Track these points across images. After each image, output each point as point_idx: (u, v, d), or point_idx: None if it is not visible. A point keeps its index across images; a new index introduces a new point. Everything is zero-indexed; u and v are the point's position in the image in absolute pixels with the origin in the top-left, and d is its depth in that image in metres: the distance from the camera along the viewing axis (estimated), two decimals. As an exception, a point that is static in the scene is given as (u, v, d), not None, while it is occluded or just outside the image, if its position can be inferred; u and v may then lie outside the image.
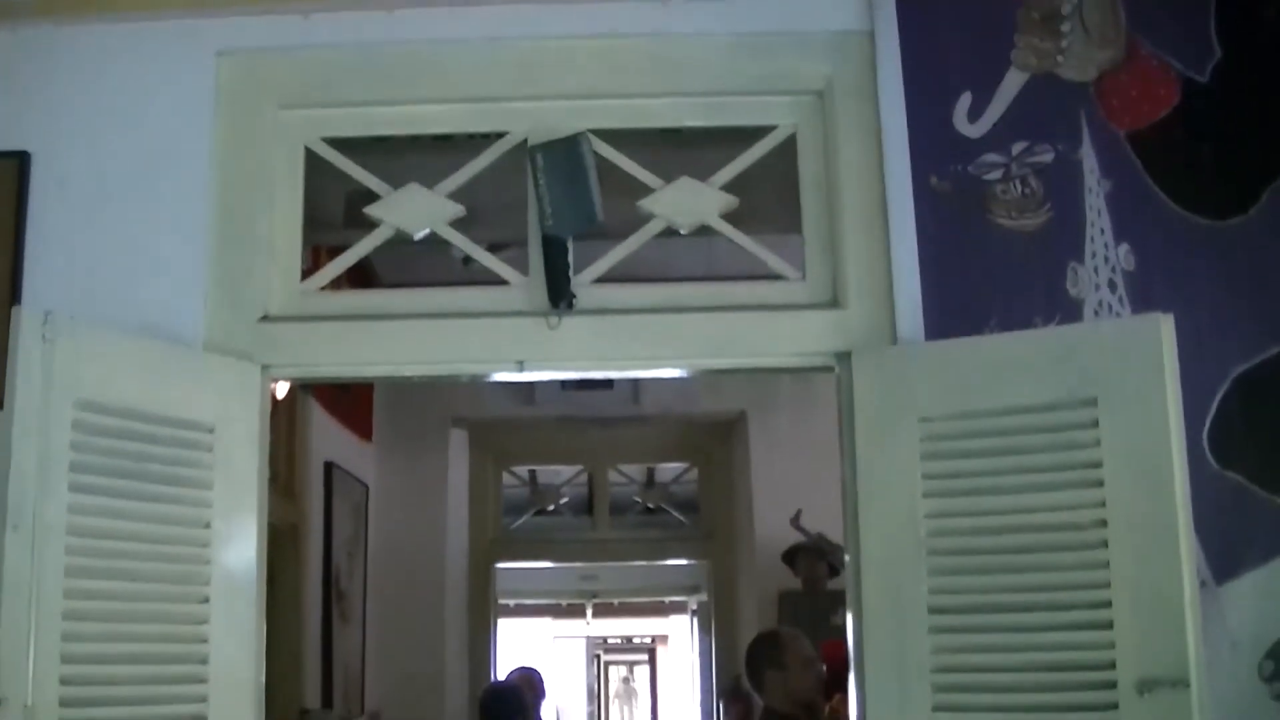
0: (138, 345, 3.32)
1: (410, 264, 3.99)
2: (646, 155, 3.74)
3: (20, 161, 3.63)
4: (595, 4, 3.74)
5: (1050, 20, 3.69)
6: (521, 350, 3.57)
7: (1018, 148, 3.63)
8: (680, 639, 17.58)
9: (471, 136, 3.84)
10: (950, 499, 3.20)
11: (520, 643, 17.28)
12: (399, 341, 3.62)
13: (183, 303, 3.57)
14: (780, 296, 3.65)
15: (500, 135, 3.76)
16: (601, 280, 3.66)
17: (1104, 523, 3.05)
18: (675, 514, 11.72)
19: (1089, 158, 3.62)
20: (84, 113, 3.69)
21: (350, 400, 9.02)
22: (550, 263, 3.57)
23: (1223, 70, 3.67)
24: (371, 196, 3.74)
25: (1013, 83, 3.66)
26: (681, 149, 3.87)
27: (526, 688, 6.65)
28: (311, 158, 3.78)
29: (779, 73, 3.72)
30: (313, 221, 3.83)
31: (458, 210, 3.70)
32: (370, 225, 3.74)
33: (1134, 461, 3.06)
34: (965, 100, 3.66)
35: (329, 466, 8.39)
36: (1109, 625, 3.01)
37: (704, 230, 3.71)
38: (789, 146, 3.73)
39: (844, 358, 3.48)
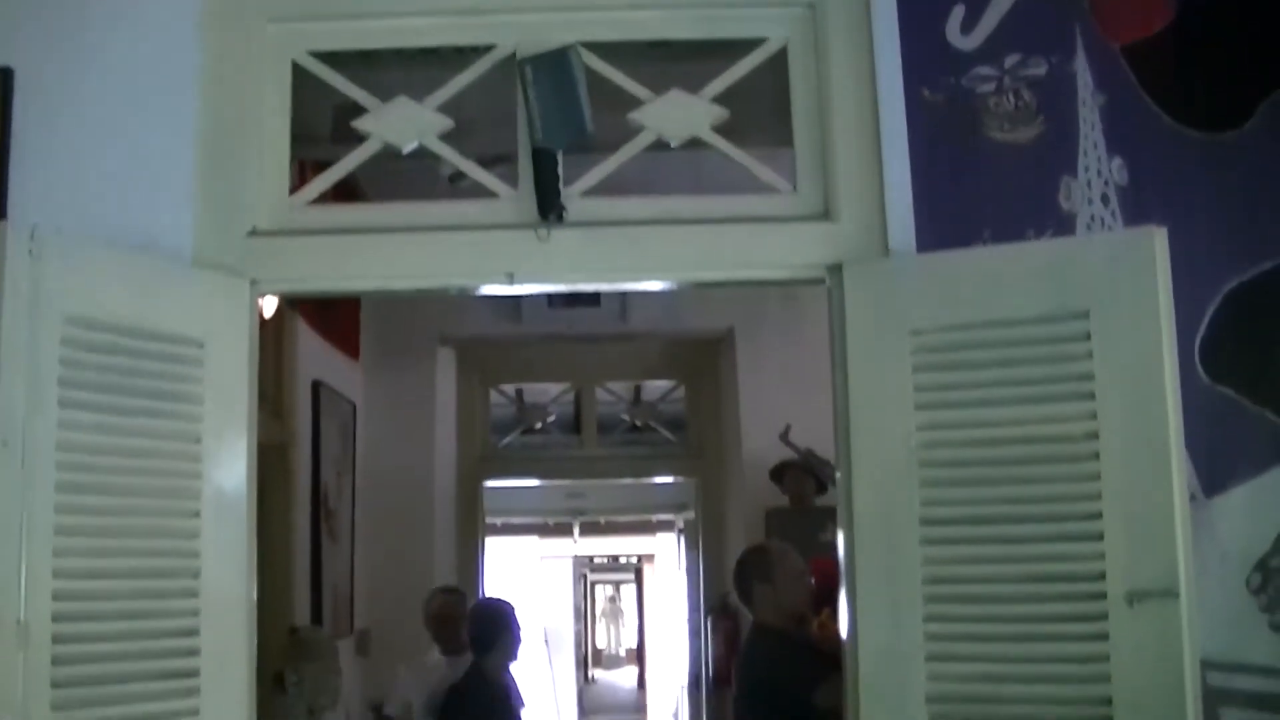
0: (125, 260, 3.29)
1: (397, 186, 3.95)
2: (637, 68, 3.71)
3: (4, 78, 3.58)
4: (584, -85, 3.70)
5: (1045, -70, 3.66)
6: (511, 263, 3.55)
7: (1011, 60, 3.60)
8: (667, 558, 17.68)
9: (459, 50, 3.80)
10: (942, 411, 3.20)
11: (507, 562, 17.38)
12: (388, 255, 3.59)
13: (171, 218, 3.53)
14: (771, 209, 3.63)
15: (488, 48, 3.72)
16: (591, 193, 3.64)
17: (1095, 435, 3.06)
18: (663, 431, 11.74)
19: (1083, 71, 3.60)
20: (68, 28, 3.63)
21: (337, 319, 8.99)
22: (540, 175, 3.55)
23: (1219, -17, 3.65)
24: (359, 111, 3.70)
25: (1006, -6, 3.64)
26: (672, 62, 3.83)
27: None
28: (298, 72, 3.73)
29: (770, -16, 3.69)
30: (300, 137, 3.79)
31: (446, 123, 3.67)
32: (358, 140, 3.71)
33: (1126, 374, 3.06)
34: (958, 12, 3.62)
35: (316, 385, 8.37)
36: (1099, 537, 3.03)
37: (694, 144, 3.68)
38: (780, 59, 3.70)
39: (835, 270, 3.46)
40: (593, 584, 35.39)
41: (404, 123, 3.67)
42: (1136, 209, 3.52)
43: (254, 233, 3.58)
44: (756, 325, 9.97)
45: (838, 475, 3.42)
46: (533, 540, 19.27)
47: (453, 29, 3.76)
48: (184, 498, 3.27)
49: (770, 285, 4.55)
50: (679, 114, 3.65)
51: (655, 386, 11.96)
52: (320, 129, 4.32)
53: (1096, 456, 3.06)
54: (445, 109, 3.69)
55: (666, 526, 16.52)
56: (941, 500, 3.17)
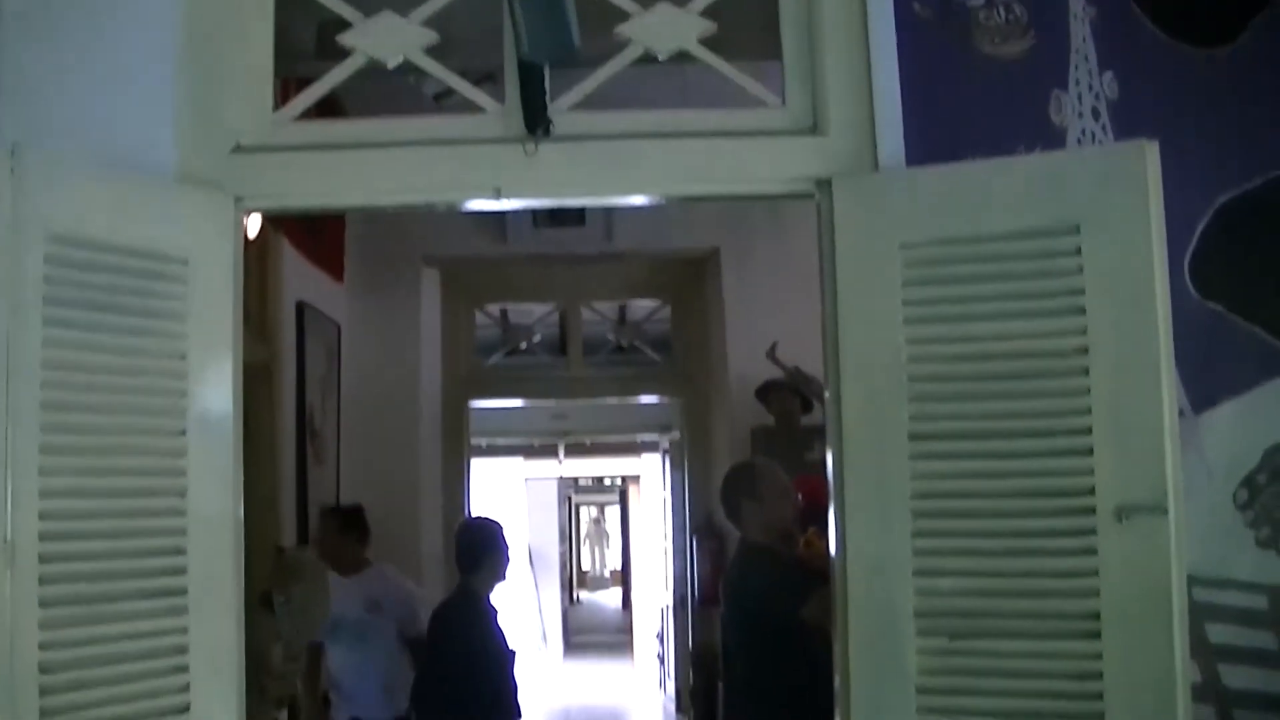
0: (108, 177, 3.26)
1: (382, 107, 3.90)
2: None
3: (-18, -1, 3.53)
4: None
5: None
6: (498, 177, 3.52)
7: (1001, -28, 3.57)
8: (652, 479, 17.67)
9: (445, -37, 3.74)
10: (931, 326, 3.19)
11: (493, 484, 17.40)
12: (374, 170, 3.56)
13: (154, 134, 3.49)
14: (760, 123, 3.59)
15: (474, -39, 3.67)
16: (578, 108, 3.60)
17: (1085, 350, 3.06)
18: (648, 352, 11.71)
19: (1074, -16, 3.56)
20: (45, -62, 3.58)
21: (322, 240, 8.93)
22: (526, 90, 3.51)
23: (1212, -106, 3.61)
24: (344, 26, 3.65)
25: (997, -96, 3.59)
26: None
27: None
28: (282, -15, 3.69)
29: (758, -107, 3.64)
30: (284, 54, 3.74)
31: (431, 38, 3.62)
32: (343, 56, 3.66)
33: (1116, 289, 3.06)
34: (949, -77, 3.58)
35: (301, 306, 8.33)
36: (1089, 452, 3.03)
37: (682, 58, 3.64)
38: (769, -29, 3.66)
39: (824, 185, 3.43)
40: (577, 506, 35.52)
41: (389, 37, 3.62)
42: (1127, 123, 3.50)
43: (238, 149, 3.55)
44: (742, 245, 9.94)
45: (826, 391, 3.42)
46: (518, 462, 19.26)
47: (437, -59, 3.70)
48: (170, 416, 3.26)
49: (759, 200, 4.52)
50: (666, 27, 3.61)
51: (641, 306, 11.92)
52: (304, 45, 4.27)
53: (1086, 371, 3.05)
54: (431, 24, 3.64)
55: (651, 447, 16.51)
56: (930, 415, 3.16)
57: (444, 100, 3.68)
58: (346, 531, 6.75)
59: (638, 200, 3.85)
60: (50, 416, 3.00)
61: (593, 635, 24.95)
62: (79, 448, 3.08)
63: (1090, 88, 3.52)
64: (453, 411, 10.92)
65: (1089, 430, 3.04)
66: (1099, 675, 2.99)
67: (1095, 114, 3.51)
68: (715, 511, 8.26)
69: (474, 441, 12.11)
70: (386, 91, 3.91)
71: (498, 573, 6.32)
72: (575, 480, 29.95)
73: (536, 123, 3.48)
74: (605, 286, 11.33)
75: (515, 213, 9.90)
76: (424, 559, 9.78)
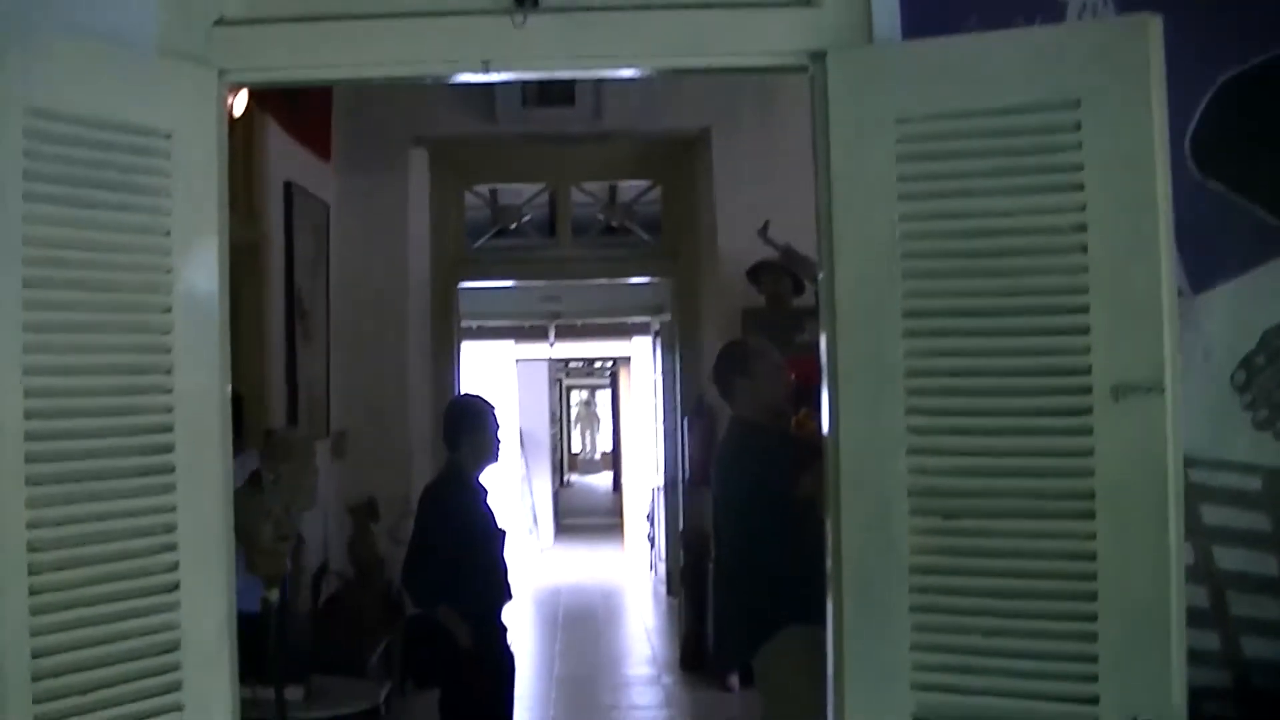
0: (89, 50, 3.17)
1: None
2: None
3: None
4: None
5: None
6: (487, 50, 3.45)
7: None
8: (643, 362, 17.68)
9: None
10: (927, 202, 3.14)
11: (484, 366, 17.40)
12: (361, 43, 3.48)
13: (135, 7, 3.39)
14: (753, -6, 3.51)
15: None
16: (569, -22, 3.52)
17: (1083, 227, 3.01)
18: (639, 232, 11.67)
19: None
20: None
21: (309, 120, 8.85)
22: (515, -40, 3.43)
23: None
24: (327, -108, 3.56)
25: None
26: None
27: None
28: None
29: None
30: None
31: (418, -94, 3.54)
32: (328, -78, 3.57)
33: (1116, 166, 3.01)
34: None
35: (288, 186, 8.27)
36: (1086, 330, 3.00)
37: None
38: None
39: (818, 58, 3.36)
40: (568, 389, 35.65)
41: (374, -94, 3.53)
42: (1129, -4, 3.43)
43: (221, 21, 3.47)
44: (732, 124, 9.89)
45: (818, 271, 3.37)
46: (509, 345, 19.24)
47: None
48: (155, 293, 3.21)
49: (751, 74, 4.42)
50: (656, -105, 3.52)
51: (630, 187, 11.85)
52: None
53: (1084, 249, 3.01)
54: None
55: (642, 330, 16.48)
56: (925, 292, 3.12)
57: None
58: None
59: (627, 73, 3.79)
60: (32, 293, 2.96)
61: (583, 518, 25.10)
62: (63, 325, 3.04)
63: (1091, -41, 3.44)
64: (442, 292, 10.90)
65: (1086, 309, 3.00)
66: (1092, 556, 2.99)
67: (1097, -14, 3.44)
68: (706, 393, 8.27)
69: (464, 324, 12.10)
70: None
71: (486, 450, 6.29)
72: (566, 363, 30.02)
73: (526, -7, 3.41)
74: (595, 166, 11.27)
75: (504, 91, 9.83)
76: (413, 440, 9.80)
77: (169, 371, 3.21)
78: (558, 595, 15.51)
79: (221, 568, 3.32)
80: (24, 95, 2.96)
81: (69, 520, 3.01)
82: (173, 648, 3.17)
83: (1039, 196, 3.06)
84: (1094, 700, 2.98)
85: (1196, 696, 3.09)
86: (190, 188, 3.29)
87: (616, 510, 21.97)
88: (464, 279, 11.18)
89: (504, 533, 6.41)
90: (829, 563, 3.30)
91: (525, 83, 9.72)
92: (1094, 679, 2.98)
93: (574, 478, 34.70)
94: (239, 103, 6.46)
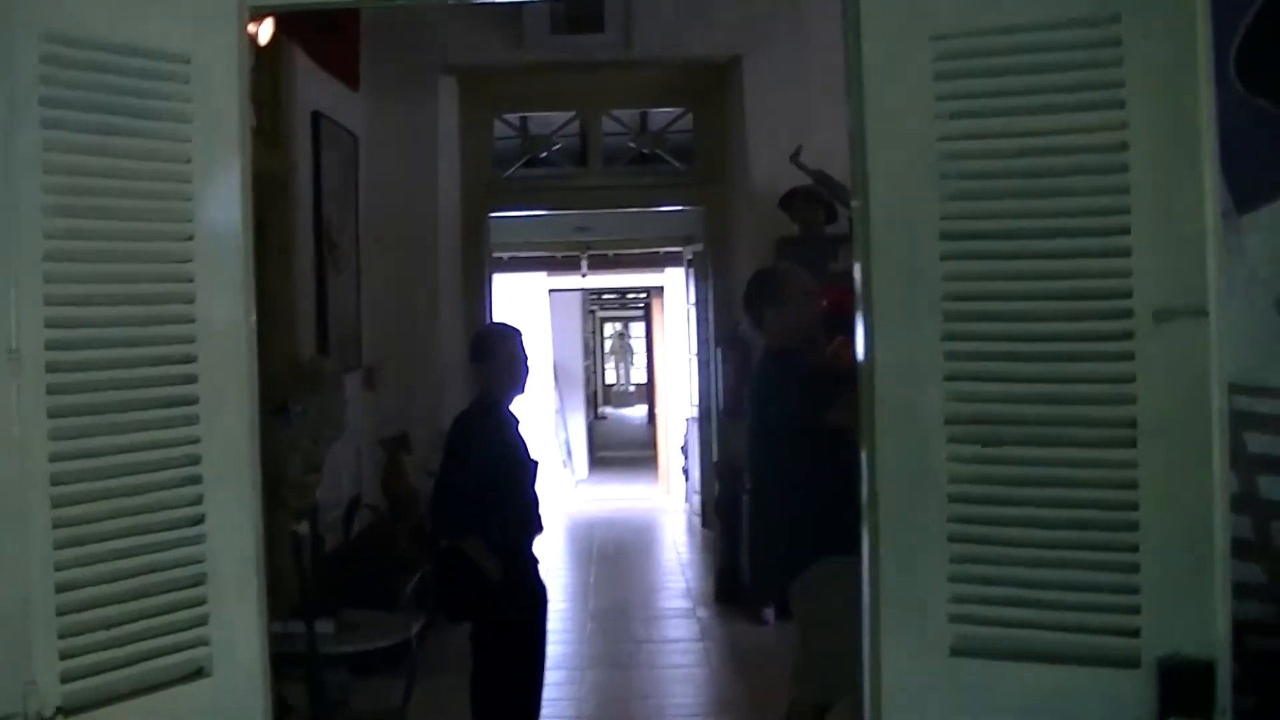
0: (104, -27, 3.10)
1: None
2: None
3: None
4: None
5: None
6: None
7: None
8: (676, 292, 17.61)
9: None
10: (964, 121, 3.03)
11: (516, 297, 17.39)
12: (381, -37, 3.41)
13: (152, -72, 3.33)
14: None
15: None
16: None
17: (1124, 146, 2.91)
18: (670, 160, 11.58)
19: None
20: None
21: (337, 48, 8.78)
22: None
23: None
24: None
25: None
26: None
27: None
28: None
29: None
30: None
31: None
32: None
33: (1158, 82, 2.90)
34: None
35: (316, 116, 8.22)
36: (1127, 252, 2.90)
37: None
38: None
39: (852, -28, 3.26)
40: (602, 320, 35.64)
41: None
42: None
43: (240, -59, 3.39)
44: (763, 49, 9.82)
45: (852, 197, 3.29)
46: (541, 276, 19.21)
47: None
48: (175, 221, 3.14)
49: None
50: None
51: (661, 115, 11.77)
52: None
53: (1125, 168, 2.91)
54: None
55: (675, 260, 16.44)
56: (962, 214, 3.02)
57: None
58: None
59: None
60: (52, 221, 2.90)
61: (618, 451, 25.15)
62: (83, 254, 2.98)
63: None
64: (472, 222, 10.86)
65: (1127, 230, 2.90)
66: (1135, 484, 2.90)
67: (1139, -104, 3.32)
68: (739, 323, 8.21)
69: (496, 255, 12.08)
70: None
71: (513, 377, 6.23)
72: (600, 295, 29.98)
73: (551, -90, 3.32)
74: (625, 94, 11.20)
75: (533, 18, 9.74)
76: (445, 372, 9.77)
77: (191, 300, 3.15)
78: (592, 528, 15.54)
79: (248, 500, 3.26)
80: (39, 20, 2.89)
81: (92, 453, 2.96)
82: (199, 581, 3.12)
83: (1079, 114, 2.95)
84: (1135, 633, 2.91)
85: (1240, 630, 3.02)
86: (211, 114, 3.21)
87: (651, 443, 21.98)
88: (494, 209, 11.13)
89: (535, 464, 6.36)
90: (864, 492, 3.22)
91: (554, 7, 9.63)
92: (1135, 611, 2.91)
93: (608, 410, 34.78)
94: (264, 31, 6.40)
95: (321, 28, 8.23)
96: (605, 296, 31.81)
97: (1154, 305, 2.88)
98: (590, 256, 17.66)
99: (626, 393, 37.81)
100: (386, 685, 6.44)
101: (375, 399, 9.50)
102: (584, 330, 25.52)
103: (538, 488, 6.33)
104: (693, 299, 13.55)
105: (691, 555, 13.46)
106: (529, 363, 6.27)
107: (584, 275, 18.70)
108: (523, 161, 11.68)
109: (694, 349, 13.35)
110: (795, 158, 8.82)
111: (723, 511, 10.65)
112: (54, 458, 2.88)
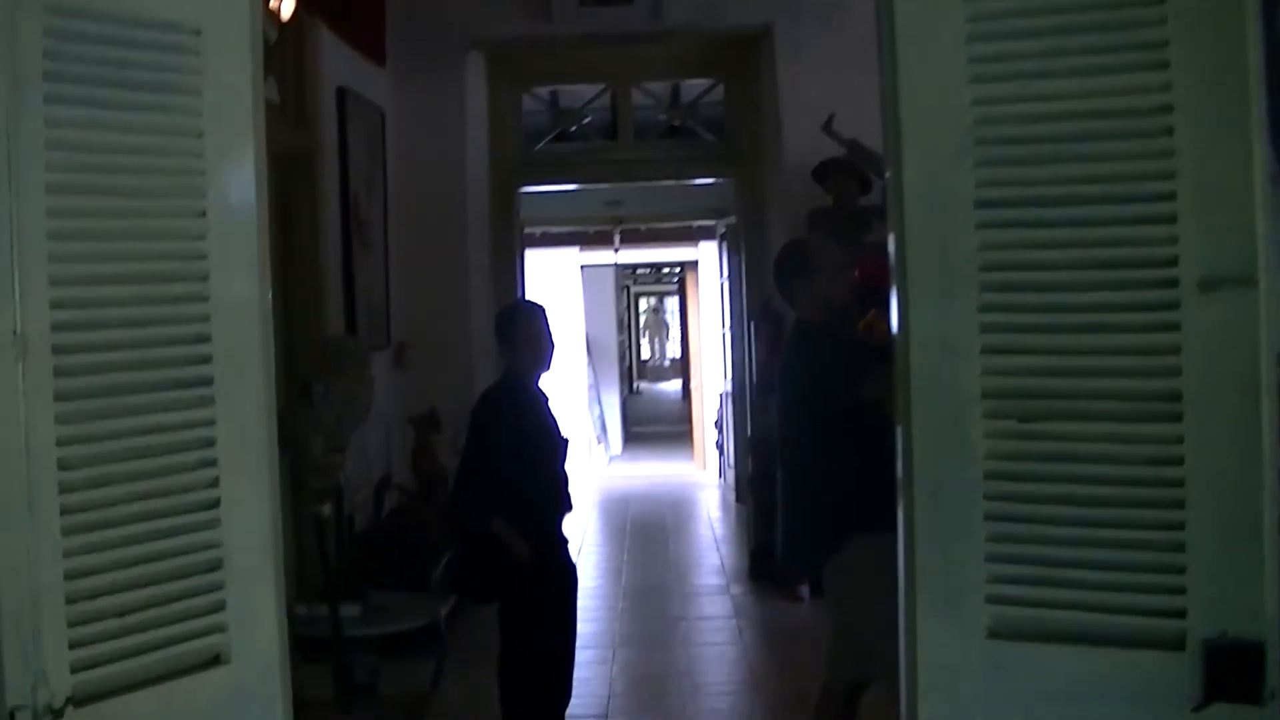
0: (108, -61, 3.00)
1: None
2: None
3: None
4: None
5: None
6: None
7: None
8: (710, 267, 17.55)
9: None
10: (1000, 84, 2.92)
11: (549, 273, 17.34)
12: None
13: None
14: None
15: None
16: None
17: (1169, 108, 2.79)
18: (701, 132, 11.49)
19: None
20: None
21: (362, 23, 8.71)
22: None
23: None
24: None
25: None
26: None
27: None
28: None
29: None
30: None
31: None
32: None
33: (1202, 41, 2.79)
34: None
35: (342, 92, 8.14)
36: (1171, 219, 2.79)
37: None
38: None
39: (882, -70, 3.14)
40: (636, 295, 35.61)
41: None
42: None
43: (252, -92, 3.29)
44: (795, 18, 9.74)
45: (886, 170, 3.18)
46: (574, 252, 19.15)
47: None
48: (187, 197, 3.05)
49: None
50: None
51: (693, 87, 11.69)
52: None
53: (1170, 131, 2.79)
54: None
55: (708, 234, 16.38)
56: (999, 180, 2.91)
57: None
58: None
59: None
60: (57, 200, 2.80)
61: (652, 426, 25.13)
62: (91, 232, 2.89)
63: None
64: (501, 198, 10.80)
65: (1172, 196, 2.79)
66: (1179, 460, 2.80)
67: None
68: (773, 297, 8.11)
69: (528, 230, 12.03)
70: None
71: (539, 354, 6.14)
72: (634, 270, 29.93)
73: None
74: (655, 66, 11.12)
75: (561, -11, 9.67)
76: (475, 349, 9.71)
77: (205, 279, 3.06)
78: (626, 504, 15.50)
79: (265, 483, 3.19)
80: (40, -10, 2.80)
81: (101, 436, 2.88)
82: (214, 567, 3.05)
83: (1120, 76, 2.84)
84: (1180, 614, 2.81)
85: (1290, 610, 2.90)
86: (224, 87, 3.12)
87: (686, 418, 21.92)
88: (524, 183, 11.07)
89: (565, 442, 6.28)
90: (899, 469, 3.12)
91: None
92: (1181, 591, 2.81)
93: (643, 385, 34.76)
94: (287, 6, 6.32)
95: (346, 2, 8.16)
96: (640, 271, 31.78)
97: (1199, 274, 2.77)
98: (623, 231, 17.60)
99: (662, 368, 37.80)
100: (416, 667, 6.39)
101: (405, 377, 9.44)
102: (618, 305, 25.43)
103: (566, 466, 6.25)
104: (725, 273, 13.47)
105: (725, 531, 13.39)
106: (554, 340, 6.18)
107: (616, 250, 18.62)
108: (553, 136, 11.60)
109: (727, 323, 13.27)
110: (827, 126, 8.74)
111: (756, 487, 10.58)
112: (61, 442, 2.80)
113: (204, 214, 3.06)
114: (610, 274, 22.60)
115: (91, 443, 2.86)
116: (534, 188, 11.31)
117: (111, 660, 2.87)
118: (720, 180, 11.79)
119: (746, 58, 10.60)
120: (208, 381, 3.05)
